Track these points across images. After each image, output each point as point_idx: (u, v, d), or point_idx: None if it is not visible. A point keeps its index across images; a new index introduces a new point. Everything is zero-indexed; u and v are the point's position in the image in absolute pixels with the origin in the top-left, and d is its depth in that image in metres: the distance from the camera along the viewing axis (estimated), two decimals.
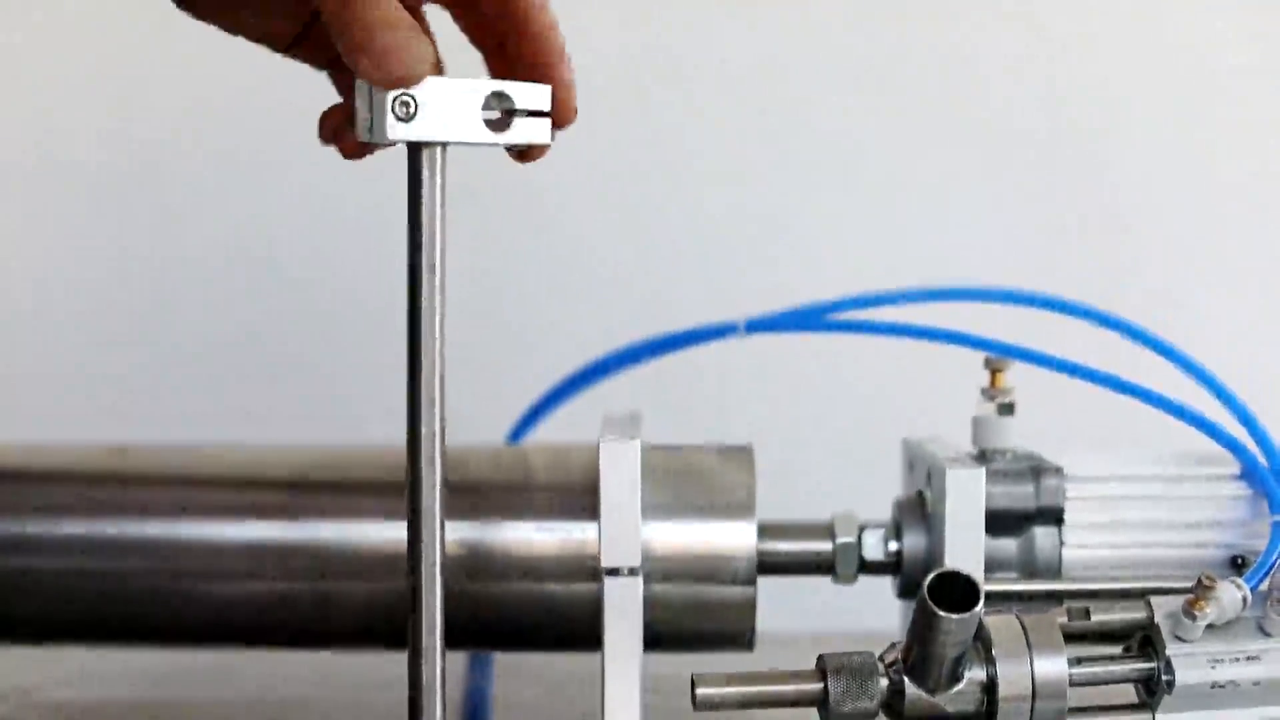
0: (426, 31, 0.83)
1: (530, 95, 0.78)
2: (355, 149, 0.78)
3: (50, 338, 1.49)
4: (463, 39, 0.84)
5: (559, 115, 0.80)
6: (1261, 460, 0.94)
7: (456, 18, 0.85)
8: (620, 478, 0.90)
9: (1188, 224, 1.48)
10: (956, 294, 1.08)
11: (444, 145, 0.77)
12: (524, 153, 0.81)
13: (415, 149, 0.76)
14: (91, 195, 1.49)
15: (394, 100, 0.75)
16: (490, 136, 0.77)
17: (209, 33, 0.85)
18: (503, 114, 0.77)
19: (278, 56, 0.86)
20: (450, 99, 0.76)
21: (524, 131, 0.78)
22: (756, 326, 1.07)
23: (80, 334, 1.49)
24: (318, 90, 0.87)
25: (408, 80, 0.74)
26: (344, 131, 0.82)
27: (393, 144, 0.77)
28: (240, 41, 0.86)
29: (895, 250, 1.47)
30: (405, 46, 0.73)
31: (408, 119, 0.75)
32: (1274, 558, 0.86)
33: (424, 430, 0.78)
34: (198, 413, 1.48)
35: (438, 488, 0.78)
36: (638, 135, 1.47)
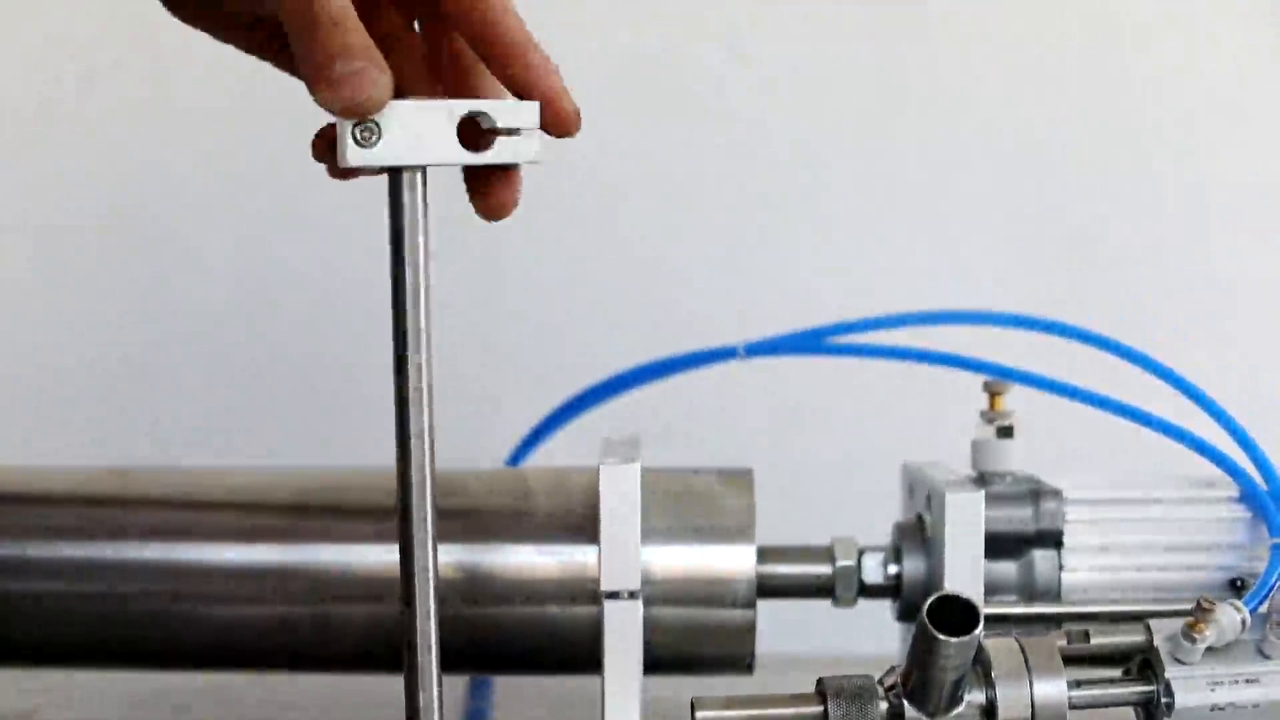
0: (416, 52, 0.83)
1: (514, 112, 0.77)
2: (341, 169, 0.78)
3: (49, 357, 1.50)
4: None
5: (557, 125, 0.79)
6: (1260, 483, 0.94)
7: (426, 37, 0.84)
8: (620, 501, 0.90)
9: (1187, 248, 1.48)
10: (956, 317, 1.08)
11: (423, 169, 0.76)
12: (489, 208, 0.80)
13: (395, 172, 0.76)
14: (92, 211, 1.49)
15: (354, 126, 0.74)
16: (469, 157, 0.76)
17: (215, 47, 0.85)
18: (485, 133, 0.77)
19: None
20: (423, 121, 0.75)
21: (508, 150, 0.77)
22: (756, 350, 1.07)
23: (81, 351, 1.49)
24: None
25: (359, 109, 0.73)
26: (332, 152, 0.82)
27: (372, 170, 0.76)
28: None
29: (895, 274, 1.47)
30: (360, 74, 0.73)
31: (368, 144, 0.74)
32: (1273, 580, 0.87)
33: (414, 451, 0.77)
34: (196, 431, 1.48)
35: (428, 502, 0.78)
36: (637, 157, 1.47)
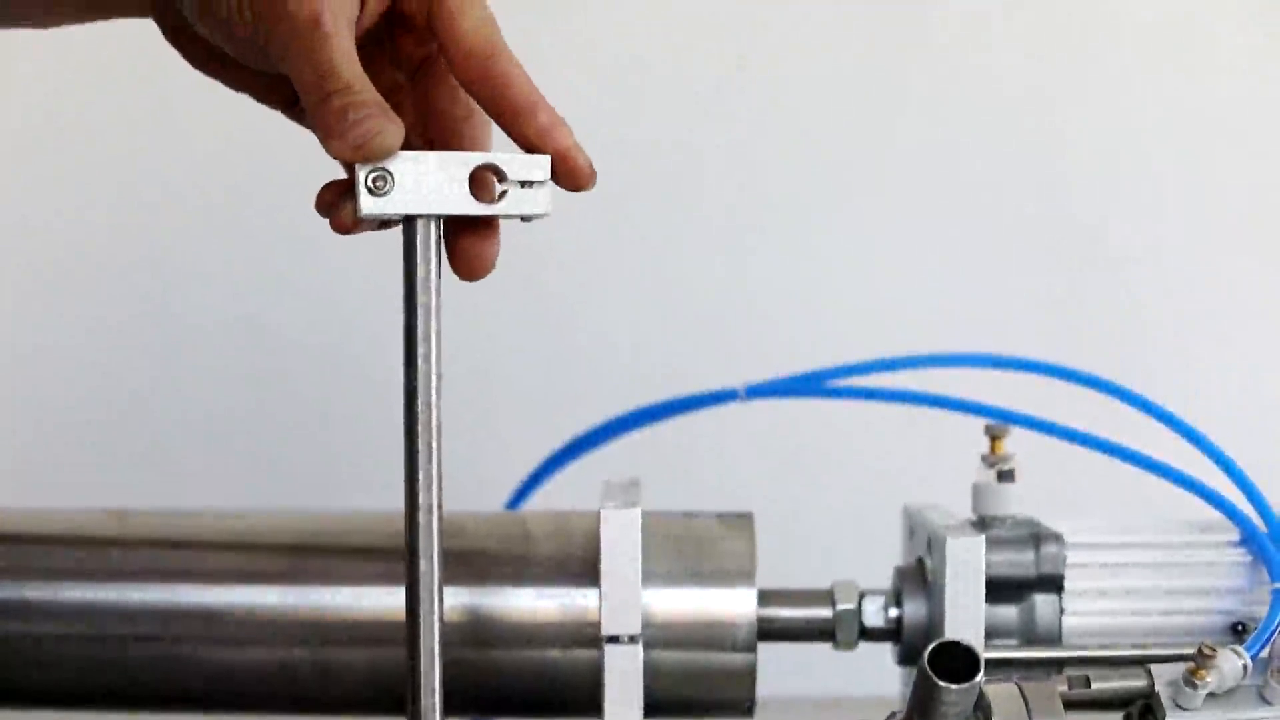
0: (411, 109, 0.84)
1: (525, 166, 0.78)
2: (345, 224, 0.78)
3: (50, 360, 1.49)
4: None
5: (571, 179, 0.79)
6: (1260, 527, 0.94)
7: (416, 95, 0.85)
8: (621, 545, 0.90)
9: (1187, 248, 1.47)
10: (957, 360, 1.08)
11: (437, 219, 0.77)
12: (468, 263, 0.81)
13: (409, 221, 0.77)
14: (94, 220, 1.49)
15: (368, 175, 0.75)
16: (482, 208, 0.77)
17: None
18: (497, 185, 0.78)
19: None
20: (436, 172, 0.76)
21: (519, 202, 0.78)
22: (757, 392, 1.07)
23: (81, 356, 1.49)
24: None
25: (370, 152, 0.75)
26: (336, 206, 0.83)
27: (378, 220, 0.77)
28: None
29: (895, 274, 1.47)
30: (370, 119, 0.74)
31: (381, 193, 0.76)
32: (1274, 625, 0.86)
33: (422, 494, 0.78)
34: (196, 436, 1.48)
35: (435, 545, 0.78)
36: (637, 198, 1.47)
